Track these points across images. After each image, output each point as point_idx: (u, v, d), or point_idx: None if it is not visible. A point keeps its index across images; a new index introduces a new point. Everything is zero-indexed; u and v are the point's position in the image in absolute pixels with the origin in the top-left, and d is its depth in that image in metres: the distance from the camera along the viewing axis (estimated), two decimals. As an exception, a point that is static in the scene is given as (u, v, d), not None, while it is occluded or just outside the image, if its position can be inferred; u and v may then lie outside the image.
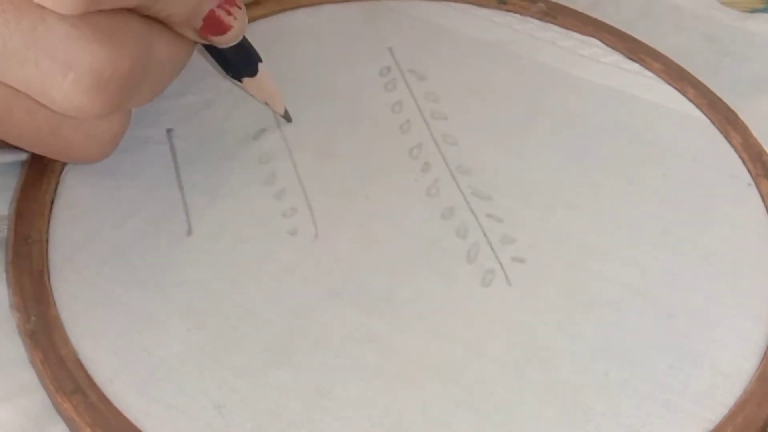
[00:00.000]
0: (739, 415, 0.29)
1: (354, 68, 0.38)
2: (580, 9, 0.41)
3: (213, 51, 0.33)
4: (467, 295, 0.31)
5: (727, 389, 0.30)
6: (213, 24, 0.30)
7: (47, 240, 0.32)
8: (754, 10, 0.43)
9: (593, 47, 0.40)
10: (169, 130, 0.35)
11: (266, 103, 0.35)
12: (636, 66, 0.39)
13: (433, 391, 0.29)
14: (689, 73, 0.39)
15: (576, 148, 0.36)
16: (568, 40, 0.40)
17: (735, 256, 0.33)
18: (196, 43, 0.32)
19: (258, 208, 0.33)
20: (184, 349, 0.30)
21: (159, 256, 0.32)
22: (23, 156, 0.34)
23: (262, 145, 0.35)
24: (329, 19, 0.40)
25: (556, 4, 0.41)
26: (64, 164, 0.34)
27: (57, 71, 0.27)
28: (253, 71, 0.34)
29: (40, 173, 0.34)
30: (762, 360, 0.30)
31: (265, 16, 0.40)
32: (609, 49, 0.40)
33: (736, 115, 0.37)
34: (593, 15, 0.41)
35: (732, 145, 0.36)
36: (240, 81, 0.34)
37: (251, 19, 0.32)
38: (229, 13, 0.31)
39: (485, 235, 0.33)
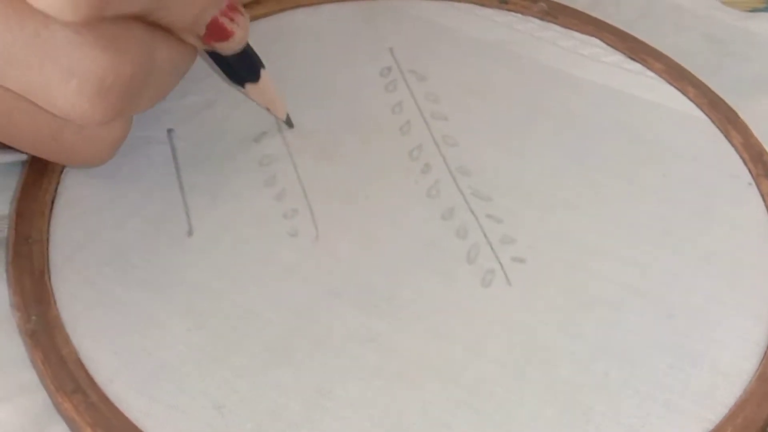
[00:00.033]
0: (739, 415, 0.29)
1: (354, 68, 0.38)
2: (580, 9, 0.41)
3: (215, 57, 0.33)
4: (467, 295, 0.31)
5: (727, 389, 0.30)
6: (216, 31, 0.30)
7: (48, 240, 0.32)
8: (754, 10, 0.43)
9: (594, 47, 0.40)
10: (169, 131, 0.35)
11: (268, 109, 0.35)
12: (637, 66, 0.39)
13: (433, 391, 0.29)
14: (690, 73, 0.39)
15: (576, 148, 0.36)
16: (569, 40, 0.40)
17: (735, 256, 0.33)
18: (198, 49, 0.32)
19: (258, 209, 0.33)
20: (184, 349, 0.30)
21: (160, 257, 0.32)
22: (24, 156, 0.34)
23: (262, 147, 0.35)
24: (329, 19, 0.40)
25: (558, 4, 0.41)
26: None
27: (60, 77, 0.27)
28: (255, 77, 0.34)
29: (40, 173, 0.34)
30: (762, 360, 0.30)
31: (264, 15, 0.40)
32: (610, 48, 0.40)
33: (736, 115, 0.37)
34: (594, 15, 0.41)
35: (732, 145, 0.36)
36: (242, 87, 0.34)
37: (251, 19, 0.32)
38: (232, 20, 0.31)
39: (485, 235, 0.33)
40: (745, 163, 0.36)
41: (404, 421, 0.28)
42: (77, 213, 0.33)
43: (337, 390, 0.29)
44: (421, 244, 0.33)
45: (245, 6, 0.33)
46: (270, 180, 0.34)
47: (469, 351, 0.30)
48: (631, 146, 0.36)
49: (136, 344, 0.30)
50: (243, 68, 0.34)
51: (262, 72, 0.34)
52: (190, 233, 0.33)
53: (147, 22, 0.29)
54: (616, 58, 0.39)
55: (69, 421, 0.28)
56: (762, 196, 0.35)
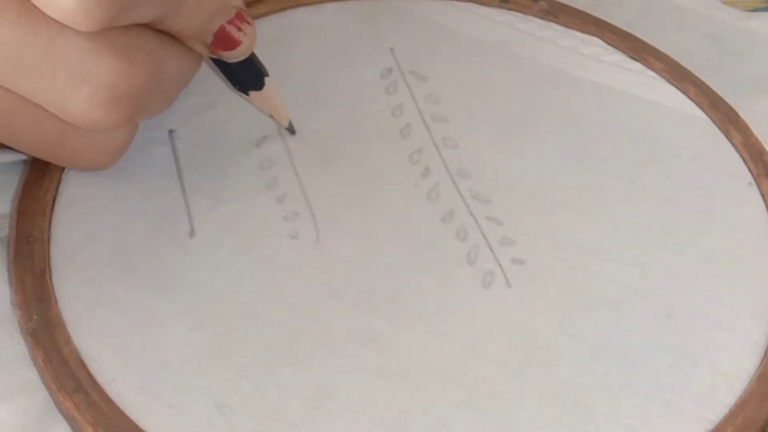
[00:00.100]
0: (739, 415, 0.29)
1: (355, 69, 0.38)
2: (581, 8, 0.41)
3: (220, 64, 0.33)
4: (467, 296, 0.31)
5: (728, 389, 0.30)
6: (223, 39, 0.31)
7: (49, 239, 0.32)
8: (755, 9, 0.43)
9: (595, 46, 0.40)
10: (170, 131, 0.35)
11: (271, 116, 0.35)
12: (638, 65, 0.39)
13: (434, 391, 0.29)
14: (691, 73, 0.39)
15: (577, 148, 0.36)
16: (569, 40, 0.40)
17: (736, 256, 0.33)
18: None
19: (260, 211, 0.33)
20: (185, 349, 0.30)
21: (161, 257, 0.32)
22: (25, 155, 0.34)
23: (263, 151, 0.35)
24: (330, 18, 0.40)
25: (558, 3, 0.41)
26: (66, 164, 0.34)
27: (73, 85, 0.27)
28: (259, 85, 0.34)
29: (41, 172, 0.34)
30: (762, 360, 0.30)
31: (265, 14, 0.40)
32: (611, 48, 0.40)
33: (737, 115, 0.37)
34: (595, 14, 0.41)
35: (733, 145, 0.36)
36: (246, 94, 0.34)
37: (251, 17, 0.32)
38: (240, 29, 0.31)
39: (485, 237, 0.33)
40: (746, 163, 0.36)
41: (405, 421, 0.29)
42: (78, 212, 0.33)
43: (337, 390, 0.29)
44: (421, 246, 0.33)
45: (246, 4, 0.33)
46: (271, 183, 0.34)
47: (469, 351, 0.30)
48: (632, 146, 0.36)
49: (137, 344, 0.30)
50: (247, 76, 0.34)
51: (266, 80, 0.34)
52: (191, 234, 0.33)
53: (157, 30, 0.29)
54: (616, 57, 0.39)
55: (70, 420, 0.29)
56: (762, 195, 0.35)
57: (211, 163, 0.35)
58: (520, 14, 0.41)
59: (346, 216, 0.33)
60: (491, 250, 0.33)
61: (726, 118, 0.37)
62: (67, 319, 0.30)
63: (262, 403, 0.29)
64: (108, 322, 0.30)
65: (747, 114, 0.37)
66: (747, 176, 0.35)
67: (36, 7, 0.26)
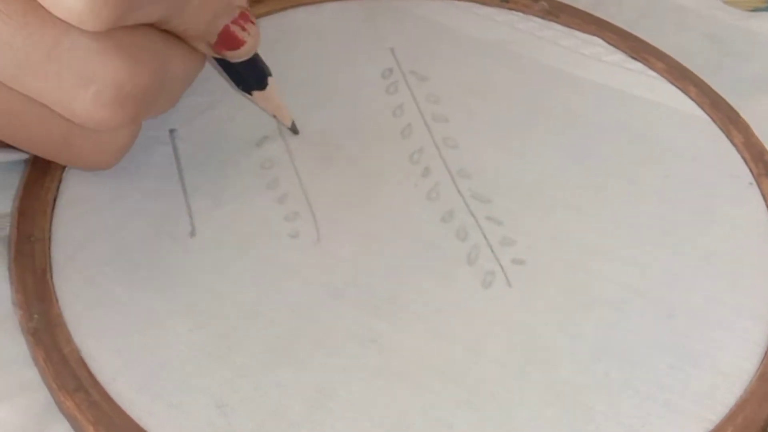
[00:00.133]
0: (739, 415, 0.29)
1: (356, 69, 0.38)
2: (582, 8, 0.41)
3: (224, 64, 0.33)
4: (468, 297, 0.31)
5: (728, 389, 0.30)
6: (227, 39, 0.31)
7: (50, 238, 0.32)
8: (756, 9, 0.43)
9: (596, 46, 0.40)
10: (171, 131, 0.35)
11: (274, 116, 0.35)
12: (639, 65, 0.39)
13: (434, 391, 0.29)
14: (691, 73, 0.39)
15: (577, 148, 0.36)
16: (570, 39, 0.40)
17: (736, 256, 0.33)
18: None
19: (260, 211, 0.33)
20: (186, 349, 0.30)
21: (162, 257, 0.32)
22: (26, 154, 0.34)
23: (264, 151, 0.35)
24: (331, 18, 0.40)
25: (559, 3, 0.41)
26: (66, 163, 0.34)
27: (78, 84, 0.28)
28: (262, 85, 0.34)
29: (42, 171, 0.34)
30: (762, 360, 0.30)
31: (266, 13, 0.40)
32: (611, 48, 0.40)
33: (737, 115, 0.37)
34: (595, 14, 0.41)
35: (734, 145, 0.36)
36: (249, 94, 0.34)
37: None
38: (244, 29, 0.31)
39: (485, 237, 0.33)
40: (746, 163, 0.36)
41: (405, 421, 0.29)
42: (79, 212, 0.33)
43: (338, 390, 0.29)
44: (421, 246, 0.33)
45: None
46: (272, 183, 0.34)
47: (469, 351, 0.30)
48: (632, 146, 0.36)
49: (137, 343, 0.30)
50: (251, 76, 0.34)
51: (269, 80, 0.34)
52: (192, 234, 0.33)
53: (162, 29, 0.29)
54: (617, 57, 0.39)
55: (71, 419, 0.29)
56: (763, 195, 0.35)
57: (211, 162, 0.35)
58: (520, 14, 0.41)
59: (347, 216, 0.33)
60: (491, 250, 0.33)
61: (727, 118, 0.37)
62: (67, 318, 0.30)
63: (263, 403, 0.29)
64: (109, 322, 0.30)
65: (747, 114, 0.37)
66: (747, 176, 0.35)
67: (42, 7, 0.26)
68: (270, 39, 0.37)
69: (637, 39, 0.40)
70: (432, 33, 0.40)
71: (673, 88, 0.38)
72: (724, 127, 0.37)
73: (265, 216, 0.33)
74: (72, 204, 0.33)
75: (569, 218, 0.34)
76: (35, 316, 0.30)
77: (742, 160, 0.36)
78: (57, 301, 0.31)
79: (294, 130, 0.36)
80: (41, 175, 0.34)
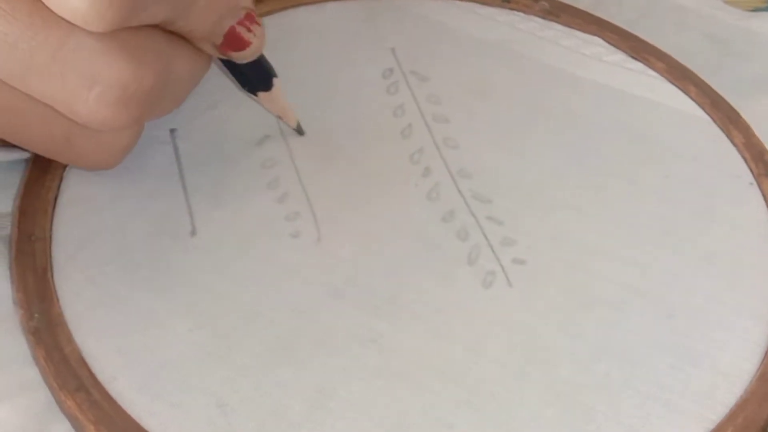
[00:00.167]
0: (739, 415, 0.29)
1: (356, 69, 0.38)
2: (583, 8, 0.41)
3: (229, 65, 0.33)
4: (468, 297, 0.31)
5: (728, 389, 0.30)
6: (233, 40, 0.31)
7: (50, 237, 0.32)
8: (756, 9, 0.43)
9: (596, 46, 0.40)
10: (172, 130, 0.35)
11: (279, 117, 0.35)
12: (639, 65, 0.39)
13: (435, 391, 0.29)
14: (692, 72, 0.39)
15: (577, 148, 0.36)
16: (570, 39, 0.40)
17: (736, 256, 0.33)
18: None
19: (261, 211, 0.33)
20: (186, 348, 0.30)
21: (162, 256, 0.32)
22: (27, 154, 0.34)
23: (265, 150, 0.35)
24: (331, 17, 0.40)
25: (560, 3, 0.41)
26: (67, 162, 0.34)
27: (82, 85, 0.28)
28: (268, 86, 0.34)
29: (43, 171, 0.34)
30: (762, 360, 0.30)
31: (267, 13, 0.40)
32: (612, 48, 0.40)
33: (738, 115, 0.37)
34: (596, 14, 0.41)
35: (734, 145, 0.36)
36: (255, 95, 0.34)
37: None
38: (249, 30, 0.31)
39: (486, 237, 0.33)
40: (747, 163, 0.36)
41: (405, 421, 0.29)
42: (80, 211, 0.33)
43: (338, 390, 0.29)
44: (421, 246, 0.33)
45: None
46: (272, 183, 0.34)
47: (470, 351, 0.30)
48: (632, 146, 0.36)
49: (138, 343, 0.30)
50: (256, 77, 0.34)
51: (275, 81, 0.34)
52: (193, 233, 0.33)
53: (167, 30, 0.29)
54: (617, 57, 0.39)
55: (72, 419, 0.29)
56: (763, 195, 0.35)
57: (212, 162, 0.35)
58: (521, 14, 0.41)
59: (347, 216, 0.33)
60: (492, 250, 0.33)
61: (727, 118, 0.37)
62: (68, 317, 0.30)
63: (263, 403, 0.29)
64: (109, 321, 0.30)
65: (748, 114, 0.37)
66: (748, 176, 0.36)
67: (47, 8, 0.26)
68: (271, 38, 0.37)
69: (637, 39, 0.40)
70: (433, 33, 0.40)
71: (674, 88, 0.38)
72: (725, 127, 0.37)
73: (266, 216, 0.33)
74: (73, 203, 0.33)
75: (570, 218, 0.34)
76: (36, 315, 0.30)
77: (742, 160, 0.36)
78: (58, 300, 0.31)
79: (299, 131, 0.36)
80: (42, 174, 0.34)
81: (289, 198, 0.34)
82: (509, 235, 0.33)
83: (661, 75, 0.39)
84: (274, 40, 0.34)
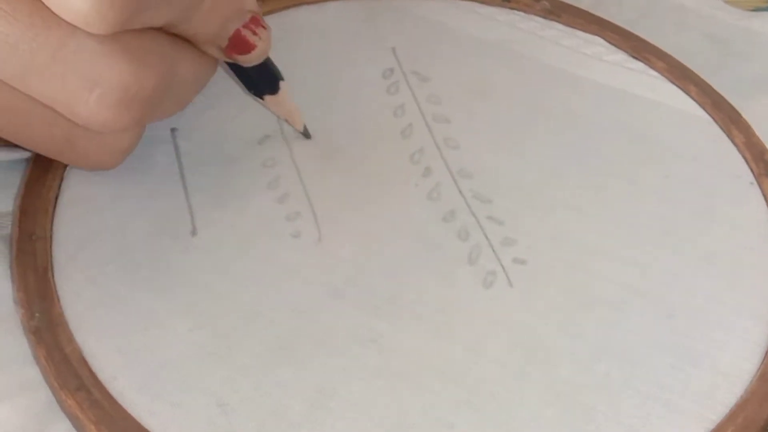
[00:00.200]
0: (740, 415, 0.29)
1: (357, 69, 0.38)
2: (583, 7, 0.41)
3: (235, 68, 0.33)
4: (468, 296, 0.31)
5: (728, 389, 0.30)
6: (238, 43, 0.31)
7: (51, 237, 0.32)
8: (757, 9, 0.43)
9: (597, 46, 0.40)
10: (173, 130, 0.35)
11: (286, 120, 0.35)
12: (640, 65, 0.39)
13: (435, 391, 0.29)
14: (692, 72, 0.39)
15: (578, 148, 0.36)
16: (571, 39, 0.40)
17: (736, 256, 0.33)
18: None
19: (261, 211, 0.33)
20: (187, 348, 0.30)
21: (163, 256, 0.32)
22: (28, 153, 0.34)
23: (265, 150, 0.35)
24: (332, 17, 0.40)
25: (561, 2, 0.41)
26: (68, 162, 0.34)
27: (83, 87, 0.28)
28: (274, 89, 0.34)
29: (44, 170, 0.34)
30: (763, 360, 0.30)
31: (268, 12, 0.40)
32: (612, 47, 0.40)
33: (739, 115, 0.37)
34: (597, 14, 0.41)
35: (735, 144, 0.36)
36: (261, 98, 0.34)
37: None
38: (255, 33, 0.31)
39: (486, 237, 0.33)
40: (747, 163, 0.36)
41: (405, 421, 0.29)
42: (81, 211, 0.33)
43: (338, 390, 0.29)
44: (422, 246, 0.33)
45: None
46: (273, 182, 0.34)
47: (470, 351, 0.30)
48: (633, 146, 0.36)
49: (139, 342, 0.30)
50: (263, 80, 0.34)
51: (281, 84, 0.34)
52: (193, 233, 0.33)
53: (171, 33, 0.29)
54: (618, 57, 0.39)
55: (72, 418, 0.29)
56: (764, 195, 0.35)
57: (213, 161, 0.35)
58: (522, 13, 0.41)
59: (348, 216, 0.33)
60: (492, 250, 0.33)
61: (728, 117, 0.37)
62: (69, 317, 0.30)
63: (263, 403, 0.29)
64: (110, 321, 0.30)
65: (748, 114, 0.37)
66: (748, 176, 0.36)
67: (48, 9, 0.26)
68: (272, 38, 0.37)
69: (638, 39, 0.40)
70: (433, 33, 0.40)
71: (674, 88, 0.38)
72: (725, 127, 0.37)
73: (267, 215, 0.33)
74: (73, 203, 0.33)
75: (570, 218, 0.34)
76: (36, 314, 0.30)
77: (743, 160, 0.36)
78: (58, 299, 0.31)
79: (306, 134, 0.35)
80: (43, 174, 0.34)
81: (289, 198, 0.34)
82: (510, 235, 0.33)
83: (662, 75, 0.39)
84: (275, 39, 0.34)
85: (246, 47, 0.31)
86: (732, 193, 0.35)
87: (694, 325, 0.31)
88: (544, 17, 0.41)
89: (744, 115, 0.37)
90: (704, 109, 0.38)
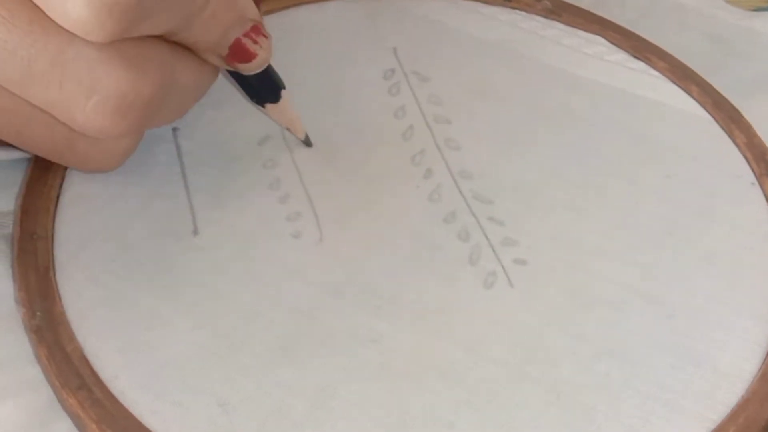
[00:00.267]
0: (740, 415, 0.29)
1: (358, 69, 0.38)
2: (585, 7, 0.41)
3: (237, 76, 0.33)
4: (469, 297, 0.32)
5: (729, 389, 0.30)
6: (239, 52, 0.31)
7: (52, 236, 0.32)
8: (758, 9, 0.43)
9: (598, 45, 0.40)
10: (174, 129, 0.36)
11: (287, 129, 0.35)
12: (641, 64, 0.39)
13: (436, 391, 0.29)
14: (694, 72, 0.39)
15: (578, 148, 0.36)
16: (572, 38, 0.40)
17: (736, 256, 0.33)
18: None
19: (263, 211, 0.33)
20: (188, 347, 0.30)
21: (164, 256, 0.32)
22: (29, 153, 0.34)
23: (266, 150, 0.35)
24: (333, 17, 0.40)
25: (562, 2, 0.41)
26: (69, 161, 0.34)
27: (81, 94, 0.28)
28: (276, 98, 0.34)
29: (45, 169, 0.34)
30: (763, 360, 0.30)
31: (268, 12, 0.40)
32: (614, 47, 0.40)
33: (740, 114, 0.37)
34: (598, 13, 0.41)
35: (736, 144, 0.36)
36: (262, 106, 0.34)
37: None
38: (255, 42, 0.31)
39: (487, 237, 0.33)
40: (749, 163, 0.36)
41: (406, 421, 0.29)
42: (82, 210, 0.33)
43: (339, 389, 0.29)
44: (423, 247, 0.33)
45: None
46: (274, 183, 0.34)
47: (471, 351, 0.30)
48: (634, 146, 0.36)
49: (140, 341, 0.30)
50: (264, 88, 0.34)
51: (283, 92, 0.34)
52: (195, 233, 0.33)
53: (170, 41, 0.29)
54: (619, 56, 0.39)
55: (74, 417, 0.29)
56: (765, 195, 0.35)
57: (214, 161, 0.35)
58: (523, 13, 0.41)
59: (349, 216, 0.33)
60: (493, 251, 0.33)
61: (729, 117, 0.37)
62: (70, 316, 0.30)
63: (264, 402, 0.29)
64: (111, 320, 0.30)
65: (750, 114, 0.37)
66: (749, 176, 0.35)
67: (47, 16, 0.26)
68: (272, 38, 0.37)
69: (639, 38, 0.40)
70: (434, 33, 0.40)
71: (675, 88, 0.38)
72: (726, 127, 0.37)
73: (268, 215, 0.33)
74: (75, 202, 0.33)
75: (570, 218, 0.34)
76: (38, 313, 0.30)
77: (744, 160, 0.36)
78: (60, 299, 0.31)
79: (307, 143, 0.35)
80: (44, 173, 0.34)
81: (290, 198, 0.34)
82: (510, 236, 0.33)
83: (663, 74, 0.39)
84: (275, 39, 0.34)
85: (246, 56, 0.31)
86: (733, 193, 0.35)
87: (695, 325, 0.31)
88: (545, 17, 0.41)
89: (745, 115, 0.37)
90: (705, 109, 0.38)
